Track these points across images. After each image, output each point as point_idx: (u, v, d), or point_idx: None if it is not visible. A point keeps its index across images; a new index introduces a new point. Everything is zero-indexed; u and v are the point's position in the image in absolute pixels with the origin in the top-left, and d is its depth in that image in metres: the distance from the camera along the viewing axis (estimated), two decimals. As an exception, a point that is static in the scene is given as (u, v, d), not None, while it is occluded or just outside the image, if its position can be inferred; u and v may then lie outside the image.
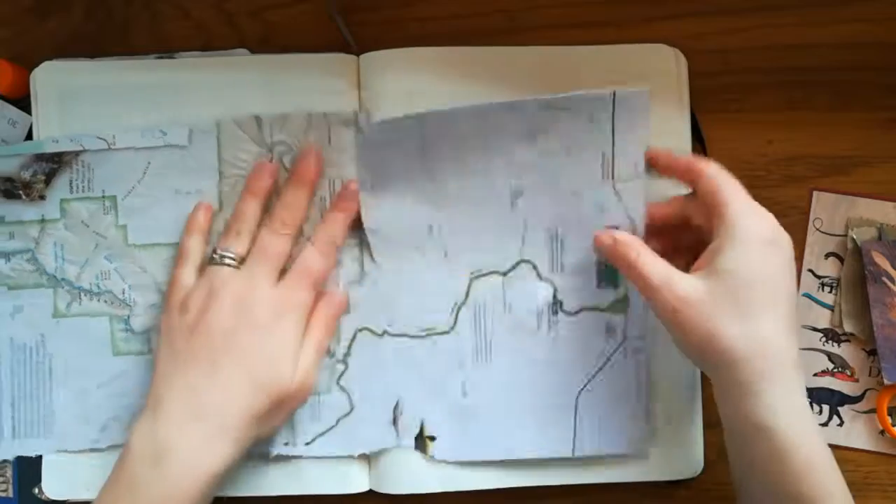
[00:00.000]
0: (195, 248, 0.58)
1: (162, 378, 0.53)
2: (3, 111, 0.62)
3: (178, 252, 0.58)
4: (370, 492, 0.60)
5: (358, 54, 0.61)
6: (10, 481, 0.61)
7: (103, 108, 0.60)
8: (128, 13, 0.63)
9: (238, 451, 0.52)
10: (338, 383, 0.59)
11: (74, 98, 0.61)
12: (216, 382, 0.52)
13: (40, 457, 0.60)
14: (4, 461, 0.61)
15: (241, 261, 0.56)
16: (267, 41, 0.63)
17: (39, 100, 0.61)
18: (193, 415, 0.51)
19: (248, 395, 0.52)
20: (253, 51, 0.62)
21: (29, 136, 0.62)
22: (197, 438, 0.51)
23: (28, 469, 0.61)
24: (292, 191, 0.57)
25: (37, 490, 0.60)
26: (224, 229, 0.58)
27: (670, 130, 0.60)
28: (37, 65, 0.61)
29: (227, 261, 0.55)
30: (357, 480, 0.60)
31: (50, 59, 0.61)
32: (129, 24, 0.63)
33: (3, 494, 0.61)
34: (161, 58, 0.62)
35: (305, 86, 0.60)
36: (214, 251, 0.56)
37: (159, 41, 0.63)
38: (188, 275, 0.57)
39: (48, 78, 0.61)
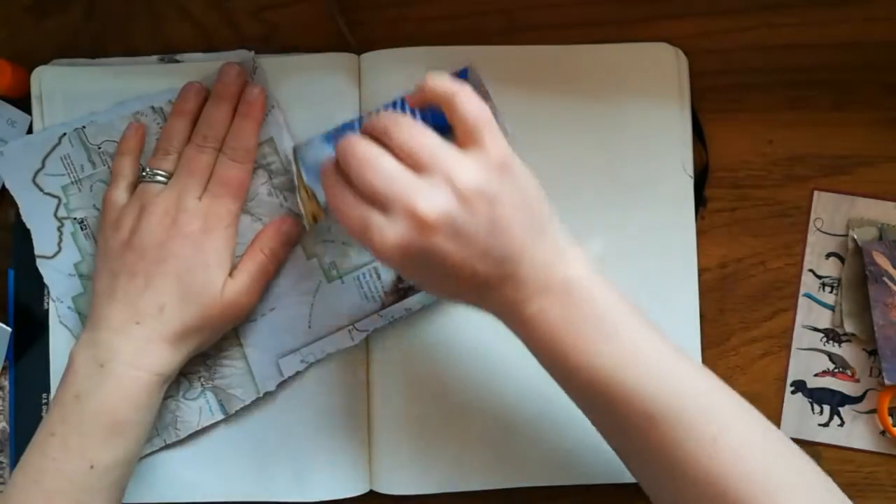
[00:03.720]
0: (127, 168, 0.58)
1: (100, 295, 0.55)
2: (2, 110, 0.62)
3: (111, 173, 0.59)
4: (371, 493, 0.60)
5: (359, 53, 0.61)
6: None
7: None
8: (127, 13, 0.63)
9: (178, 358, 0.55)
10: None
11: (78, 100, 0.61)
12: (151, 291, 0.54)
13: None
14: (1, 461, 0.61)
15: (171, 178, 0.57)
16: (267, 41, 0.63)
17: (44, 101, 0.61)
18: (132, 320, 0.54)
19: (181, 303, 0.54)
20: (254, 51, 0.62)
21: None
22: (137, 340, 0.53)
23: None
24: (213, 106, 0.58)
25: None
26: (154, 150, 0.59)
27: (671, 129, 0.60)
28: (36, 64, 0.61)
29: (158, 178, 0.57)
30: (358, 482, 0.60)
31: (49, 59, 0.62)
32: (128, 23, 0.63)
33: (2, 495, 0.61)
34: (163, 59, 0.62)
35: (306, 85, 0.60)
36: (144, 170, 0.57)
37: (159, 41, 0.63)
38: (120, 194, 0.58)
39: (50, 80, 0.61)
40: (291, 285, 0.60)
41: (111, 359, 0.53)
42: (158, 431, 0.59)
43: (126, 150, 0.59)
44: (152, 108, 0.60)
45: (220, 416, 0.60)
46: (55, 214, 0.60)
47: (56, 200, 0.60)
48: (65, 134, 0.60)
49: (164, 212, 0.55)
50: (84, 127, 0.60)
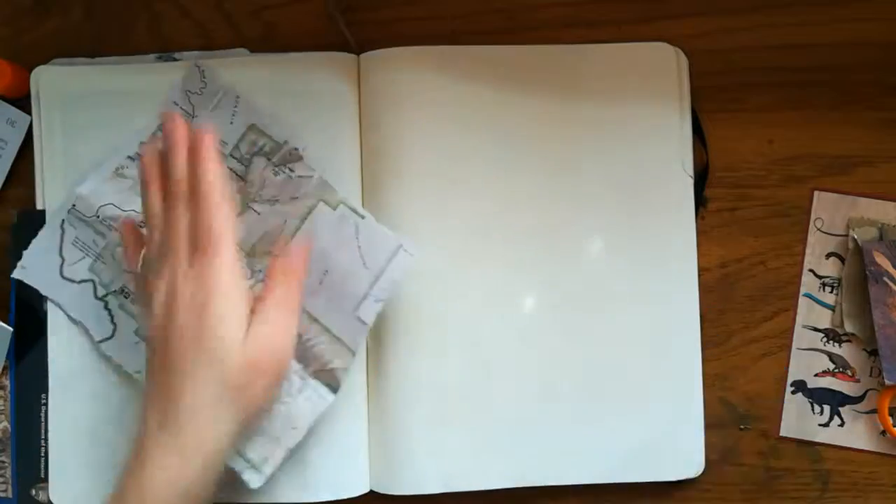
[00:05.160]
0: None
1: (145, 397, 0.52)
2: (2, 110, 0.62)
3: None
4: (371, 493, 0.60)
5: (358, 53, 0.61)
6: (10, 482, 0.61)
7: (106, 111, 0.61)
8: (127, 13, 0.63)
9: (237, 441, 0.52)
10: None
11: (77, 100, 0.61)
12: (180, 392, 0.50)
13: (40, 458, 0.60)
14: (3, 461, 0.61)
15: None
16: (266, 41, 0.63)
17: (42, 102, 0.61)
18: (172, 424, 0.50)
19: (206, 378, 0.50)
20: (253, 51, 0.62)
21: (28, 136, 0.62)
22: (181, 446, 0.49)
23: (27, 470, 0.61)
24: (170, 160, 0.53)
25: (34, 491, 0.60)
26: (146, 234, 0.55)
27: (671, 129, 0.60)
28: (36, 64, 0.61)
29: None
30: (358, 482, 0.60)
31: (50, 59, 0.62)
32: (128, 23, 0.63)
33: (3, 495, 0.61)
34: (161, 58, 0.62)
35: (306, 85, 0.60)
36: (144, 258, 0.54)
37: (159, 41, 0.63)
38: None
39: (50, 80, 0.61)
40: (331, 239, 0.59)
41: (165, 460, 0.49)
42: (278, 439, 0.57)
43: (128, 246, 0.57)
44: (130, 157, 0.60)
45: (332, 398, 0.58)
46: (96, 296, 0.60)
47: (91, 284, 0.60)
48: (63, 221, 0.60)
49: (165, 294, 0.52)
50: (73, 206, 0.60)
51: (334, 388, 0.58)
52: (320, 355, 0.58)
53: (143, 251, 0.54)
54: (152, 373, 0.52)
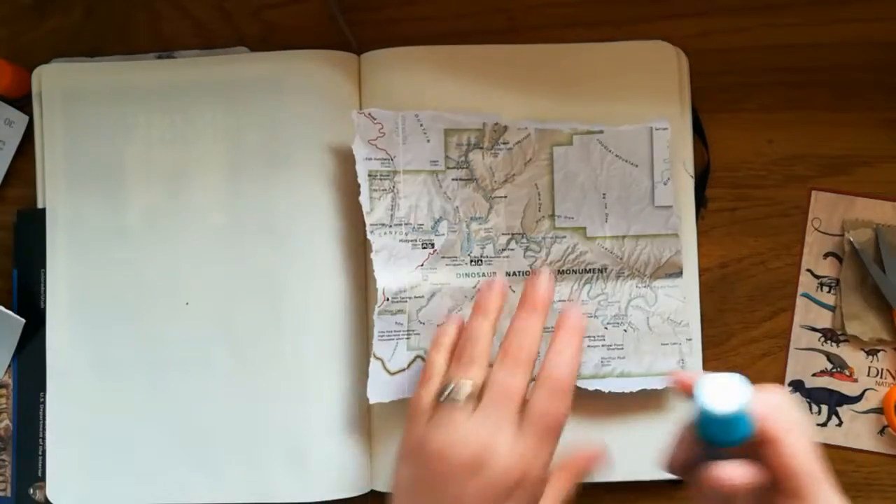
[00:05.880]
0: (441, 366, 0.52)
1: None
2: (0, 110, 0.61)
3: (424, 369, 0.53)
4: (372, 492, 0.60)
5: (359, 53, 0.61)
6: (10, 481, 0.61)
7: (107, 108, 0.61)
8: (127, 13, 0.63)
9: None
10: None
11: (78, 98, 0.61)
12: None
13: (38, 456, 0.60)
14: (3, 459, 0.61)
15: (477, 395, 0.49)
16: (266, 41, 0.63)
17: (44, 101, 0.61)
18: None
19: None
20: (253, 50, 0.62)
21: (26, 136, 0.62)
22: None
23: (27, 469, 0.61)
24: (524, 318, 0.51)
25: (31, 490, 0.60)
26: (456, 354, 0.52)
27: (672, 128, 0.60)
28: (36, 64, 0.61)
29: (462, 394, 0.49)
30: (359, 482, 0.60)
31: (50, 59, 0.62)
32: (128, 23, 0.63)
33: (2, 494, 0.61)
34: (161, 57, 0.62)
35: (307, 83, 0.60)
36: (447, 386, 0.50)
37: (159, 41, 0.63)
38: (428, 399, 0.51)
39: (52, 78, 0.61)
40: (587, 167, 0.60)
41: None
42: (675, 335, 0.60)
43: (442, 346, 0.53)
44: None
45: (680, 280, 0.60)
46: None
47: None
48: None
49: (470, 454, 0.47)
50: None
51: (678, 273, 0.60)
52: (648, 259, 0.60)
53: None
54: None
